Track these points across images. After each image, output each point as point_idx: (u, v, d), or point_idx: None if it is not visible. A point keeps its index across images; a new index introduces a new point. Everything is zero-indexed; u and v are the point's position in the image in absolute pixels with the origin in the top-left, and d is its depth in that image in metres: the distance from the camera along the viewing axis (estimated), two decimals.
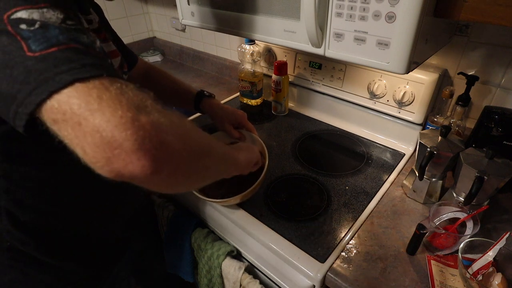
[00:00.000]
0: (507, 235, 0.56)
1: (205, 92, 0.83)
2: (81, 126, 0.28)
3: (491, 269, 0.56)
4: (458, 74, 0.78)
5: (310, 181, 0.83)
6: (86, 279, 0.62)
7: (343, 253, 0.64)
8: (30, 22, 0.31)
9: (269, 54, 1.15)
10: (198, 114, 1.15)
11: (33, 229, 0.53)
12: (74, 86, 0.29)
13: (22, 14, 0.31)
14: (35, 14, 0.31)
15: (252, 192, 0.69)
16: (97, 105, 0.28)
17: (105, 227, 0.64)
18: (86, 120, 0.28)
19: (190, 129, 0.36)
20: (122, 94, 0.29)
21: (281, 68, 1.05)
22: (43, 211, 0.53)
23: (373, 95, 0.93)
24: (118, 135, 0.27)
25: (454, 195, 0.69)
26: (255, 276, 0.72)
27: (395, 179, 0.83)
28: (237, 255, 0.77)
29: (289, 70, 1.10)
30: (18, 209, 0.51)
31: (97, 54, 0.33)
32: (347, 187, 0.80)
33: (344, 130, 1.03)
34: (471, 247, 0.59)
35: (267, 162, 0.72)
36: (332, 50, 0.61)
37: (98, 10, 0.60)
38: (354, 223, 0.70)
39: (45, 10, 0.32)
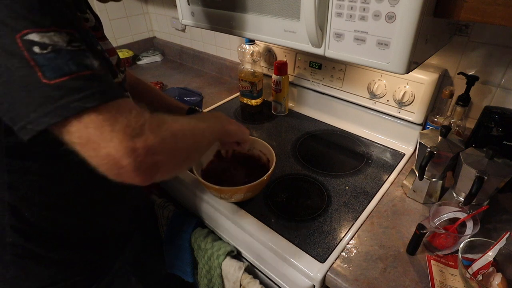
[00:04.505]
0: (507, 235, 0.56)
1: (196, 108, 0.84)
2: (96, 151, 0.35)
3: (491, 269, 0.56)
4: (458, 74, 0.78)
5: (310, 181, 0.83)
6: (86, 274, 0.62)
7: (343, 253, 0.64)
8: (42, 45, 0.35)
9: (269, 54, 1.15)
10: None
11: (37, 223, 0.54)
12: (88, 115, 0.35)
13: (34, 36, 0.34)
14: (45, 38, 0.35)
15: (258, 186, 0.70)
16: (109, 136, 0.35)
17: (106, 221, 0.65)
18: (100, 147, 0.35)
19: (179, 138, 0.43)
20: (127, 125, 0.37)
21: (281, 68, 1.05)
22: (47, 205, 0.53)
23: (373, 95, 0.93)
24: (123, 161, 0.36)
25: (454, 195, 0.69)
26: (255, 276, 0.72)
27: (395, 179, 0.83)
28: (237, 255, 0.77)
29: (289, 70, 1.10)
30: (22, 204, 0.51)
31: (101, 75, 0.38)
32: (347, 187, 0.80)
33: (344, 130, 1.03)
34: (471, 247, 0.59)
35: (274, 161, 0.73)
36: (332, 50, 0.61)
37: (96, 15, 0.61)
38: (354, 223, 0.70)
39: (52, 33, 0.36)
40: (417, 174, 0.71)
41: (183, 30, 1.57)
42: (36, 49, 0.34)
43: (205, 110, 1.19)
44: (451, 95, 0.79)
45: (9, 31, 0.34)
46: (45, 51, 0.35)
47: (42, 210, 0.53)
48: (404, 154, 0.91)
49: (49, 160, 0.50)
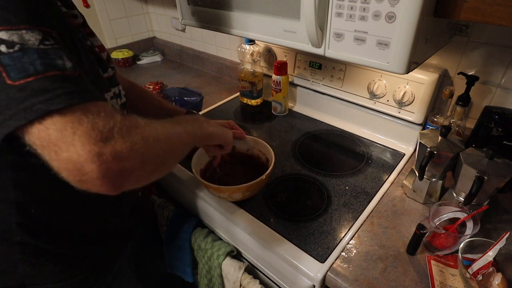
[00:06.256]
0: (507, 235, 0.56)
1: (194, 111, 0.83)
2: (57, 154, 0.33)
3: (491, 269, 0.56)
4: (458, 74, 0.78)
5: (310, 181, 0.83)
6: (91, 270, 0.63)
7: (343, 253, 0.64)
8: (10, 44, 0.33)
9: (269, 54, 1.15)
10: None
11: (44, 220, 0.54)
12: (51, 118, 0.33)
13: (2, 35, 0.33)
14: (14, 36, 0.34)
15: (256, 186, 0.70)
16: (71, 140, 0.33)
17: (111, 216, 0.65)
18: (62, 150, 0.33)
19: (151, 143, 0.40)
20: (93, 128, 0.34)
21: (281, 68, 1.05)
22: (53, 202, 0.53)
23: (373, 95, 0.93)
24: (86, 167, 0.33)
25: (454, 195, 0.69)
26: (255, 276, 0.72)
27: (395, 179, 0.83)
28: (237, 255, 0.77)
29: (289, 70, 1.10)
30: (28, 201, 0.51)
31: (72, 76, 0.36)
32: (347, 187, 0.80)
33: (344, 130, 1.03)
34: (471, 247, 0.59)
35: (273, 160, 0.73)
36: (332, 50, 0.61)
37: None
38: (354, 223, 0.70)
39: (24, 31, 0.34)
40: (417, 174, 0.71)
41: (183, 30, 1.57)
42: (3, 48, 0.33)
43: (205, 110, 1.19)
44: (451, 95, 0.79)
45: None
46: (11, 50, 0.33)
47: (48, 207, 0.53)
48: (404, 154, 0.91)
49: None
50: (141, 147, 0.38)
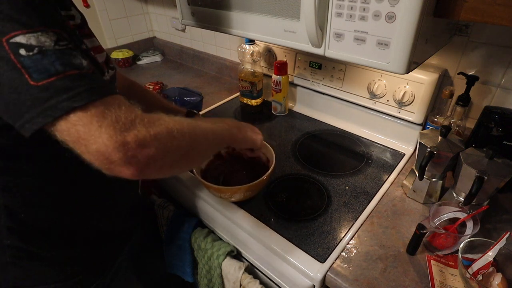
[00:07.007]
0: (507, 235, 0.56)
1: (194, 111, 0.84)
2: (86, 147, 0.36)
3: (491, 269, 0.56)
4: (458, 74, 0.78)
5: (310, 181, 0.83)
6: (87, 272, 0.62)
7: (343, 253, 0.64)
8: (28, 47, 0.35)
9: (269, 54, 1.15)
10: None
11: (34, 224, 0.53)
12: (75, 114, 0.36)
13: (20, 39, 0.35)
14: (32, 39, 0.35)
15: (257, 186, 0.70)
16: (98, 133, 0.36)
17: (103, 218, 0.65)
18: (90, 143, 0.36)
19: (175, 136, 0.43)
20: (117, 120, 0.37)
21: (281, 68, 1.05)
22: (43, 206, 0.53)
23: (373, 95, 0.93)
24: (113, 156, 0.37)
25: (454, 195, 0.69)
26: (255, 276, 0.72)
27: (395, 179, 0.83)
28: (237, 255, 0.77)
29: (289, 70, 1.10)
30: (18, 205, 0.51)
31: (88, 74, 0.39)
32: (347, 187, 0.80)
33: (344, 130, 1.03)
34: (471, 247, 0.59)
35: (274, 160, 0.73)
36: (332, 50, 0.62)
37: (80, 12, 0.60)
38: (354, 223, 0.70)
39: (39, 33, 0.36)
40: (417, 174, 0.71)
41: (183, 30, 1.57)
42: (22, 51, 0.35)
43: (205, 110, 1.19)
44: (451, 95, 0.79)
45: None
46: (31, 53, 0.35)
47: (38, 211, 0.53)
48: (404, 154, 0.91)
49: (42, 160, 0.50)
50: (164, 137, 0.41)
